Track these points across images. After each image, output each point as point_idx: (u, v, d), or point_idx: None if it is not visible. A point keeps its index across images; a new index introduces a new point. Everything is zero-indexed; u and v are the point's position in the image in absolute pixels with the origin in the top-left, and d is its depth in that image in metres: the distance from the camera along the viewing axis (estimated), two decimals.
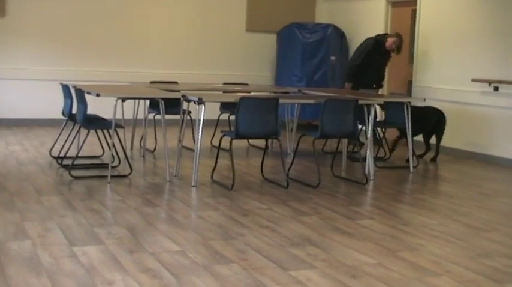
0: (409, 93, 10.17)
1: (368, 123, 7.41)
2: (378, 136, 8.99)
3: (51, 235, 4.77)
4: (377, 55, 9.56)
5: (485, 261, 4.57)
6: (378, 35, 9.76)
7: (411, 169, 8.06)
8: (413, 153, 8.10)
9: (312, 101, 7.66)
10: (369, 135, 7.43)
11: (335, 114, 6.94)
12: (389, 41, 9.48)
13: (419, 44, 10.12)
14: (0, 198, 5.85)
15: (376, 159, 8.20)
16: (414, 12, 10.27)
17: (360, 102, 7.17)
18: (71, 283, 3.79)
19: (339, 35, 11.55)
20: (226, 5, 11.96)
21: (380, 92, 9.93)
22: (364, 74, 9.56)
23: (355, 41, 10.53)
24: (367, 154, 7.45)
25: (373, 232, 5.22)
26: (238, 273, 4.08)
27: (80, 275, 3.93)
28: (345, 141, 8.09)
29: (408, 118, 7.99)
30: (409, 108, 8.00)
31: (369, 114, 7.40)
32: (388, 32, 10.58)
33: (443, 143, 8.88)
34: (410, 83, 10.32)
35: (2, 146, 8.65)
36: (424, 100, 8.45)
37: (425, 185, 7.62)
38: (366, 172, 7.32)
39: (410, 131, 8.04)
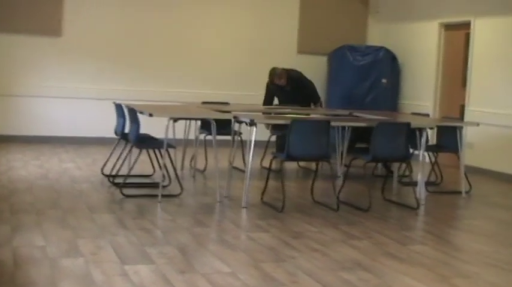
0: (461, 117, 10.03)
1: (420, 147, 7.34)
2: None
3: (103, 252, 4.81)
4: None
5: None
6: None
7: (463, 193, 7.94)
8: (466, 177, 7.97)
9: (364, 124, 7.61)
10: (421, 159, 7.35)
11: (387, 137, 6.88)
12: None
13: (473, 68, 9.98)
14: (54, 215, 5.92)
15: (428, 183, 8.09)
16: (468, 35, 10.15)
17: (413, 126, 7.10)
18: None
19: (390, 58, 11.48)
20: (277, 27, 12.00)
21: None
22: None
23: (407, 64, 10.45)
24: (419, 178, 7.37)
25: (425, 257, 5.14)
26: None
27: None
28: (396, 165, 8.02)
29: (461, 143, 7.88)
30: (462, 133, 7.90)
31: (421, 138, 7.34)
32: (441, 55, 10.54)
33: (499, 169, 8.73)
34: (463, 107, 10.19)
35: (56, 164, 8.78)
36: (478, 125, 8.30)
37: (478, 210, 7.47)
38: (417, 196, 7.23)
39: (463, 155, 7.91)
